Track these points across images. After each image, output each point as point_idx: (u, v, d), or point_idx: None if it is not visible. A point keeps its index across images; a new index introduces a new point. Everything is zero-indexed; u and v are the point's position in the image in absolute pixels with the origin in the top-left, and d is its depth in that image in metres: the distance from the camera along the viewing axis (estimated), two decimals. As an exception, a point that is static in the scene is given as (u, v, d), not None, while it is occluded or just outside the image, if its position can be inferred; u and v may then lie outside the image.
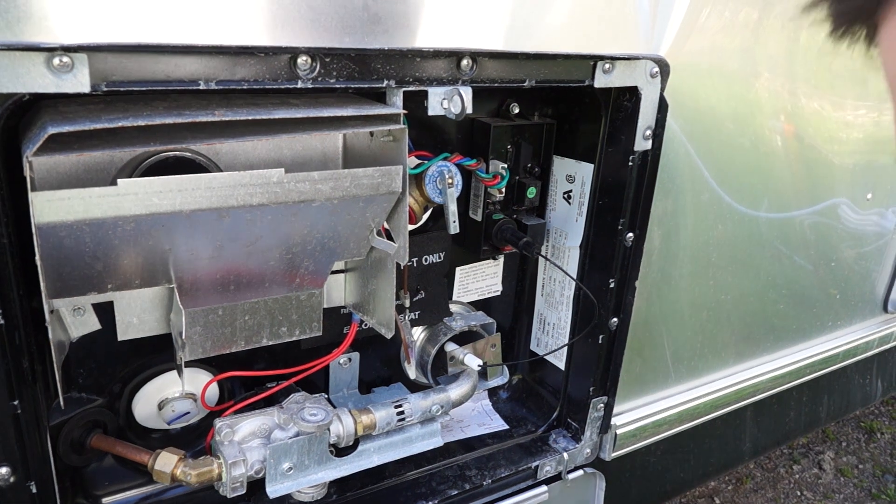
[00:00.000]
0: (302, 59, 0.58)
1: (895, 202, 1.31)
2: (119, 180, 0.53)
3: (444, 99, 0.65)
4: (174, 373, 0.78)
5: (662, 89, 0.81)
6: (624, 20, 0.80)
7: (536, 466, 0.93)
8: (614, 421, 0.99)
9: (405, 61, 0.63)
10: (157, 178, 0.54)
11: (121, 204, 0.53)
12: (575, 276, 0.91)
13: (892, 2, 0.30)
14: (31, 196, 0.50)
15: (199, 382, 0.79)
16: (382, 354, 0.93)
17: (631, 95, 0.80)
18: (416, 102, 0.66)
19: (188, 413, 0.79)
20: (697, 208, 1.01)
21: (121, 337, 0.70)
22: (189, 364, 0.77)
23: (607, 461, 1.00)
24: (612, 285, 0.89)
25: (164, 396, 0.78)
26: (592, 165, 0.86)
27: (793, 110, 1.06)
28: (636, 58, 0.77)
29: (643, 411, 1.04)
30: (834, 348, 1.30)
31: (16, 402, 0.56)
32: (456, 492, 0.87)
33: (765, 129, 1.04)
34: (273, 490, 0.74)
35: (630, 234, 0.87)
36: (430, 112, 0.66)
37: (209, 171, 0.68)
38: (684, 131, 0.93)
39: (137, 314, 0.71)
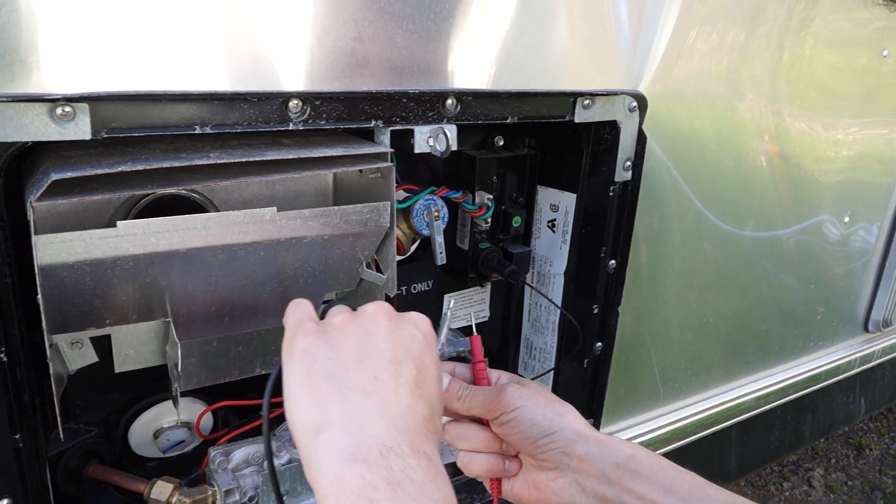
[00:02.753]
0: (293, 103, 0.61)
1: (878, 219, 1.35)
2: (119, 222, 0.55)
3: (429, 137, 0.68)
4: (169, 403, 0.80)
5: (641, 122, 0.84)
6: (606, 51, 0.83)
7: (525, 489, 0.95)
8: (601, 443, 1.02)
9: (392, 102, 0.66)
10: (155, 219, 0.57)
11: (119, 244, 0.56)
12: (560, 303, 0.94)
13: None
14: (35, 239, 0.52)
15: (194, 412, 0.81)
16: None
17: (611, 129, 0.83)
18: (403, 138, 0.69)
19: (183, 441, 0.81)
20: (683, 229, 1.03)
21: (118, 369, 0.73)
22: (184, 394, 0.79)
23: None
24: (595, 311, 0.92)
25: (160, 426, 0.80)
26: (575, 195, 0.89)
27: (776, 130, 1.09)
28: (615, 93, 0.81)
29: (632, 431, 1.07)
30: (817, 368, 1.33)
31: (17, 436, 0.57)
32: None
33: (749, 149, 1.07)
34: (267, 516, 0.75)
35: (612, 261, 0.90)
36: (417, 150, 0.68)
37: (205, 209, 0.70)
38: (669, 155, 0.96)
39: (134, 347, 0.73)
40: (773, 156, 1.11)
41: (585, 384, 0.95)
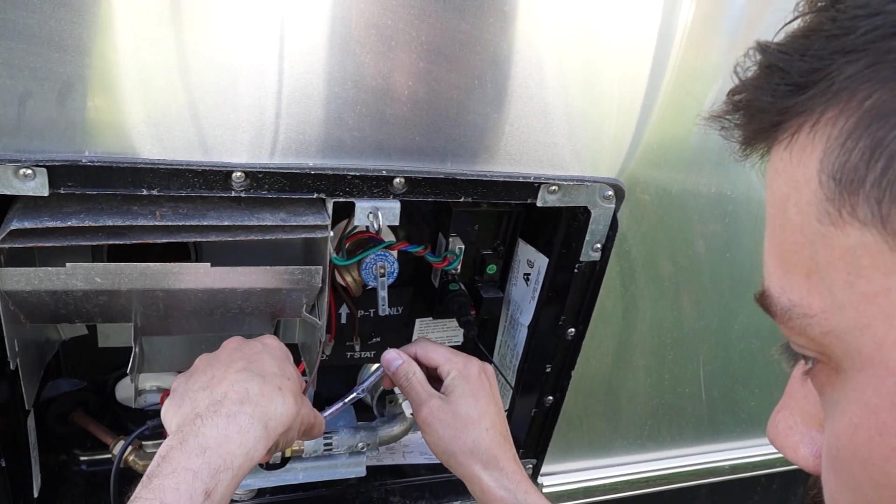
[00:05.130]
0: (236, 175, 0.67)
1: None
2: (68, 264, 0.66)
3: (369, 213, 0.73)
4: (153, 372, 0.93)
5: (616, 210, 0.83)
6: (590, 135, 0.82)
7: (457, 505, 1.04)
8: (544, 480, 1.07)
9: (335, 178, 0.71)
10: (97, 264, 0.67)
11: (69, 281, 0.66)
12: (521, 353, 0.98)
13: (778, 135, 0.32)
14: (-3, 271, 0.64)
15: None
16: (340, 376, 1.06)
17: (583, 211, 0.83)
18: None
19: (157, 403, 0.95)
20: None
21: (101, 345, 0.86)
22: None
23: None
24: (548, 370, 0.95)
25: (142, 388, 0.94)
26: (548, 259, 0.90)
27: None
28: (586, 181, 0.80)
29: (580, 475, 1.11)
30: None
31: (-11, 404, 0.72)
32: (374, 514, 1.00)
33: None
34: (203, 489, 0.89)
35: (571, 330, 0.92)
36: (356, 222, 0.73)
37: (187, 250, 0.80)
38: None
39: (114, 329, 0.86)
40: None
41: (531, 430, 1.00)
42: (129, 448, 0.87)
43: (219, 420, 0.60)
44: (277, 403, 0.65)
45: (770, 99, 0.31)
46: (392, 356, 0.84)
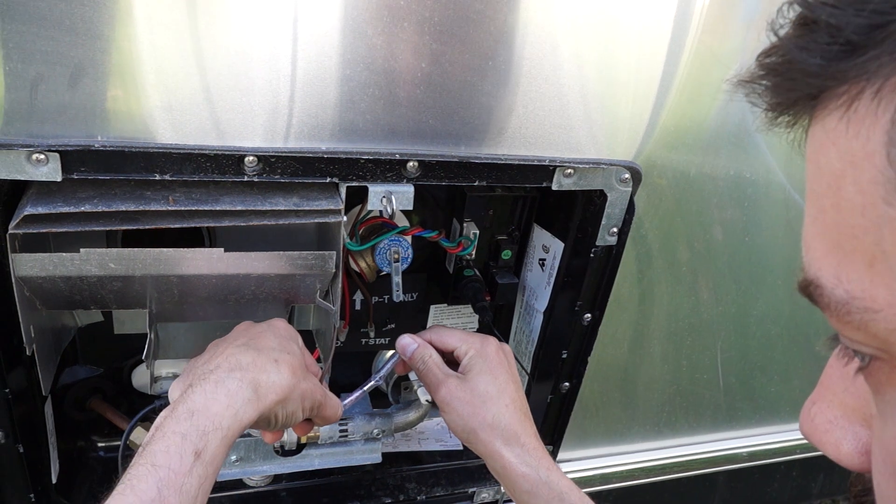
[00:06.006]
0: (249, 159, 0.67)
1: None
2: (82, 249, 0.66)
3: (383, 197, 0.72)
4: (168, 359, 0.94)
5: (633, 194, 0.82)
6: (607, 116, 0.80)
7: (473, 492, 1.03)
8: (561, 467, 1.06)
9: (348, 162, 0.70)
10: (111, 249, 0.67)
11: (83, 266, 0.66)
12: (536, 339, 0.97)
13: (827, 102, 0.28)
14: (11, 256, 0.64)
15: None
16: (356, 363, 1.05)
17: (600, 195, 0.82)
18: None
19: (174, 391, 0.95)
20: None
21: (116, 332, 0.87)
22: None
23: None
24: (564, 356, 0.94)
25: (157, 374, 0.94)
26: (563, 244, 0.89)
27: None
28: (603, 164, 0.79)
29: (596, 462, 1.10)
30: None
31: (7, 391, 0.72)
32: (390, 500, 0.99)
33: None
34: (219, 475, 0.89)
35: (588, 315, 0.91)
36: (370, 206, 0.73)
37: (201, 235, 0.80)
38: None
39: (129, 316, 0.86)
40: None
41: (547, 415, 0.99)
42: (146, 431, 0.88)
43: (207, 385, 0.62)
44: (271, 372, 0.66)
45: (819, 61, 0.27)
46: (407, 341, 0.84)
